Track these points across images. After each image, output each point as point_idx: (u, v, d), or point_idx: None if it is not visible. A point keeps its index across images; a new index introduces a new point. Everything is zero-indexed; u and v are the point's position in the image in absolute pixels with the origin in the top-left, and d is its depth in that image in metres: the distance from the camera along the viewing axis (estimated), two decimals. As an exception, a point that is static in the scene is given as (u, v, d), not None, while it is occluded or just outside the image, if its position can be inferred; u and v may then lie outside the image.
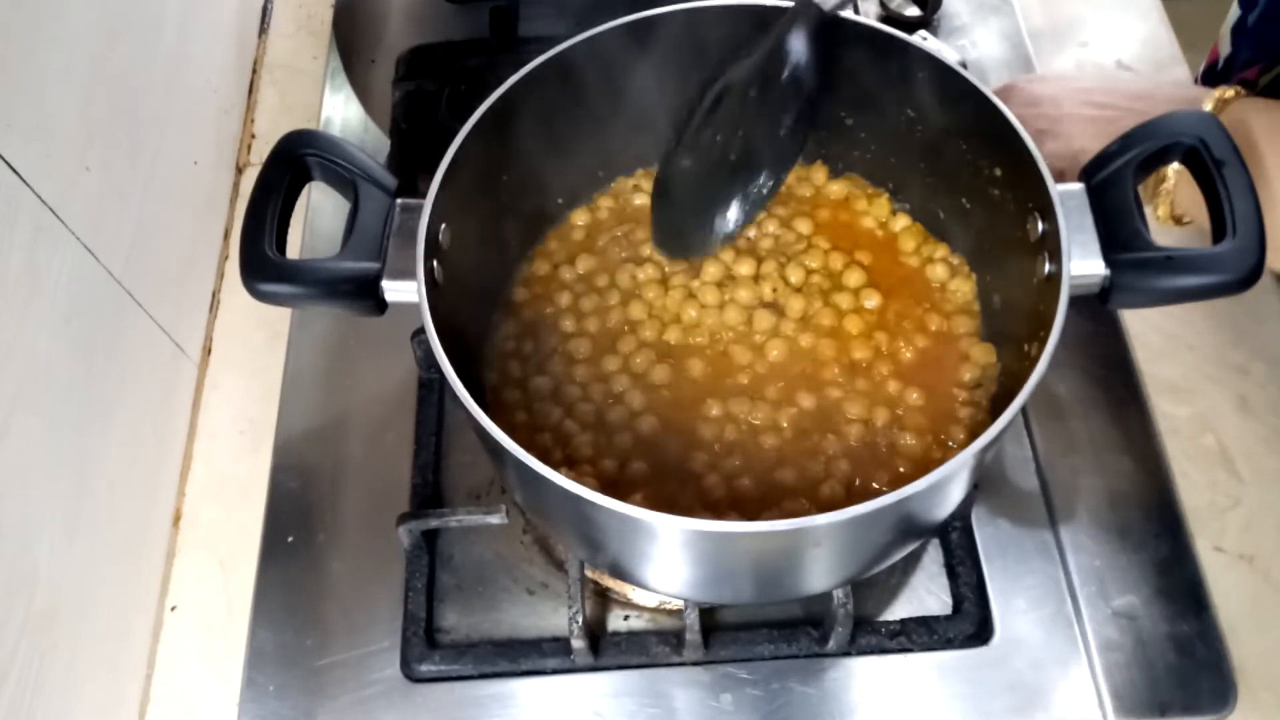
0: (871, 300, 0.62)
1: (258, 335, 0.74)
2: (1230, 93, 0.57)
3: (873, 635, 0.60)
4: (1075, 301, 0.49)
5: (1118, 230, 0.50)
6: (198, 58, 0.77)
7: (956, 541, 0.63)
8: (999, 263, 0.60)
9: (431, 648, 0.61)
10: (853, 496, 0.56)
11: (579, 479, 0.45)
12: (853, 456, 0.57)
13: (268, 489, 0.67)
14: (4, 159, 0.50)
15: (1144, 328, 0.71)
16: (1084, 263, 0.49)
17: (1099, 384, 0.69)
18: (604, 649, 0.60)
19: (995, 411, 0.58)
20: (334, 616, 0.63)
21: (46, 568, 0.53)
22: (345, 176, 0.53)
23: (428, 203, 0.52)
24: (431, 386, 0.70)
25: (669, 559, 0.50)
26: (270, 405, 0.70)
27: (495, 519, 0.61)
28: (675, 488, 0.56)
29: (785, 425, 0.58)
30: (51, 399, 0.54)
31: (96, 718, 0.57)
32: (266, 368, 0.72)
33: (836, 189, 0.67)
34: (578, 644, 0.59)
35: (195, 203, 0.76)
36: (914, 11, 0.87)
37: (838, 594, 0.57)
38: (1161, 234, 0.49)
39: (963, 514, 0.63)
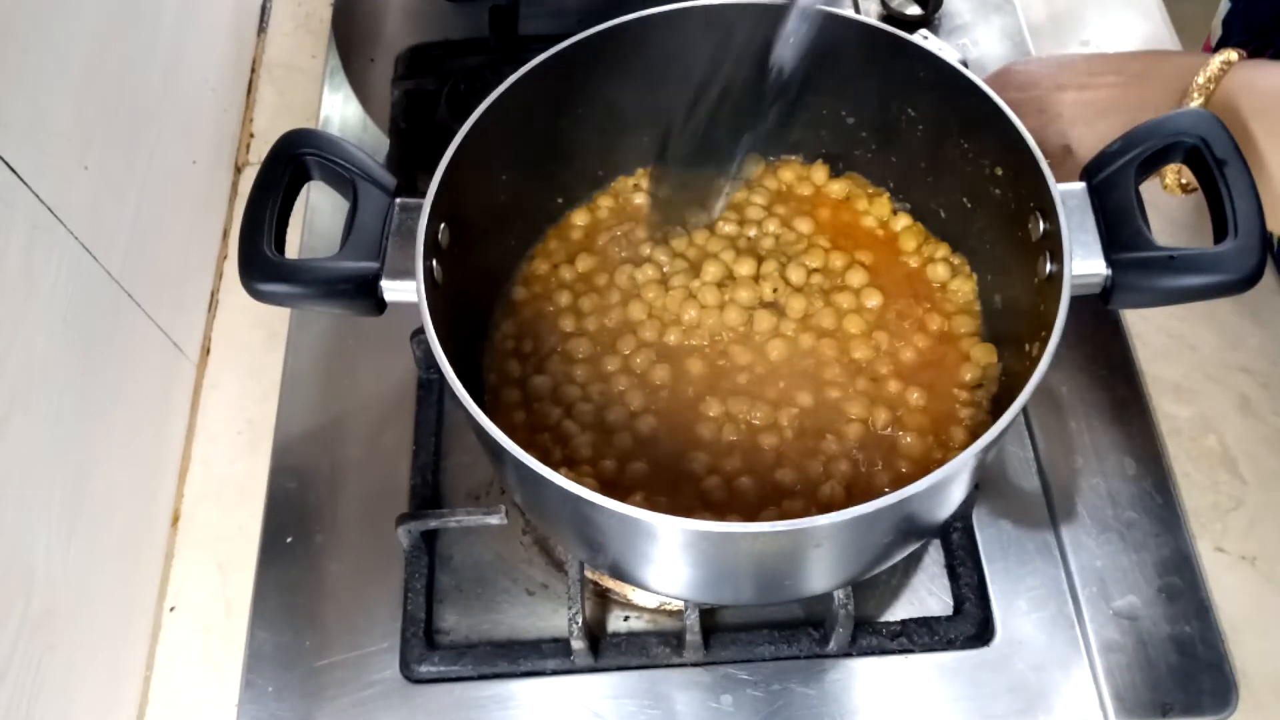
0: (872, 300, 0.62)
1: (256, 335, 0.74)
2: (1234, 55, 0.57)
3: (873, 636, 0.60)
4: (1077, 301, 0.49)
5: (1119, 230, 0.50)
6: (196, 56, 0.77)
7: (957, 542, 0.63)
8: (1000, 262, 0.59)
9: (431, 649, 0.61)
10: (853, 497, 0.56)
11: (578, 479, 0.45)
12: (853, 457, 0.57)
13: (266, 489, 0.67)
14: (1, 158, 0.50)
15: (1146, 328, 0.71)
16: (1085, 262, 0.49)
17: (1100, 384, 0.68)
18: (604, 650, 0.60)
19: (996, 412, 0.58)
20: (333, 617, 0.62)
21: (44, 569, 0.53)
22: (344, 176, 0.53)
23: (427, 202, 0.52)
24: (431, 387, 0.70)
25: (669, 560, 0.50)
26: (269, 405, 0.70)
27: (495, 519, 0.61)
28: (675, 488, 0.56)
29: (785, 425, 0.58)
30: (49, 399, 0.54)
31: (94, 719, 0.57)
32: (265, 368, 0.72)
33: (837, 188, 0.67)
34: (577, 645, 0.59)
35: (194, 202, 0.76)
36: (915, 10, 0.87)
37: (838, 595, 0.57)
38: (1163, 234, 0.49)
39: (964, 514, 0.63)
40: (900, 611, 0.62)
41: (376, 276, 0.51)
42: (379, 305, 0.52)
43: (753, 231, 0.65)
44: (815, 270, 0.63)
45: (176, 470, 0.69)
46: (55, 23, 0.56)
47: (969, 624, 0.61)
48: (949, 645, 0.60)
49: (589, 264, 0.65)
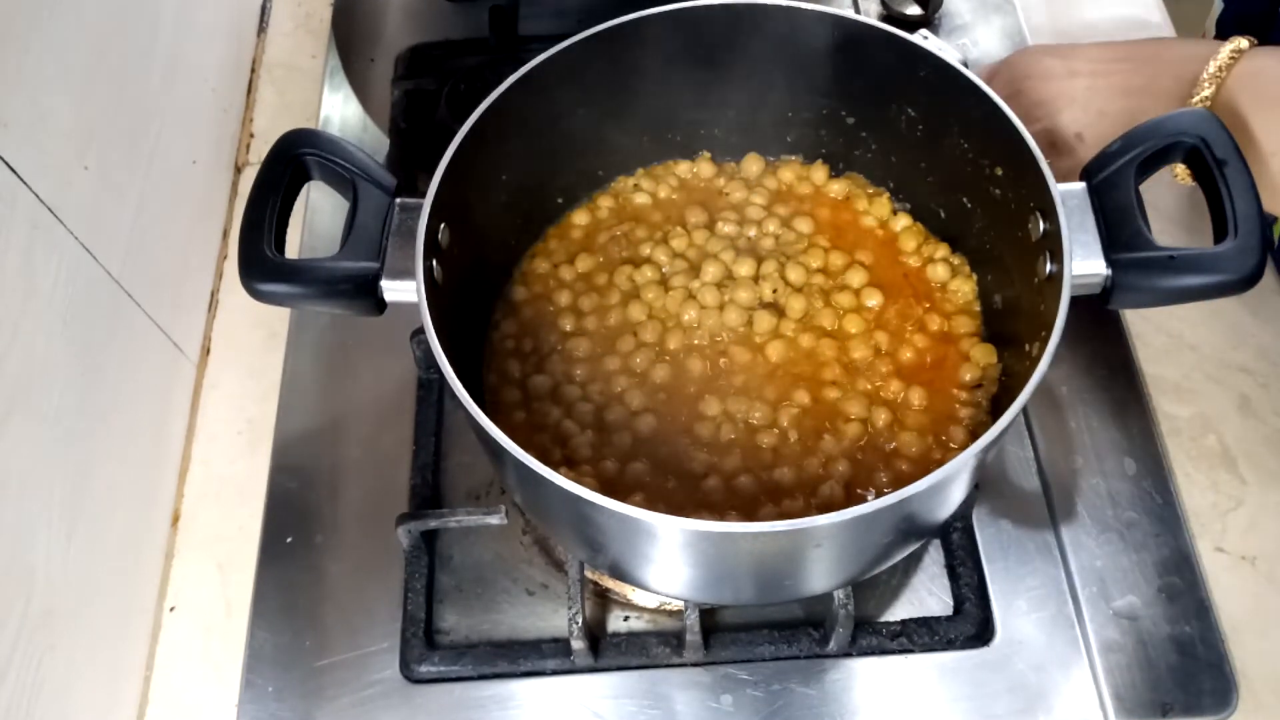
0: (872, 300, 0.62)
1: (256, 335, 0.74)
2: (1244, 43, 0.57)
3: (873, 636, 0.60)
4: (1077, 301, 0.49)
5: (1119, 230, 0.50)
6: (196, 56, 0.77)
7: (957, 542, 0.63)
8: (1000, 262, 0.59)
9: (431, 649, 0.61)
10: (853, 497, 0.56)
11: (578, 479, 0.45)
12: (853, 457, 0.57)
13: (266, 490, 0.67)
14: (1, 158, 0.50)
15: (1146, 328, 0.71)
16: (1085, 263, 0.49)
17: (1100, 384, 0.68)
18: (604, 650, 0.60)
19: (996, 412, 0.58)
20: (333, 617, 0.62)
21: (44, 569, 0.53)
22: (344, 176, 0.53)
23: (427, 202, 0.52)
24: (430, 387, 0.70)
25: (669, 560, 0.50)
26: (269, 405, 0.70)
27: (495, 520, 0.61)
28: (675, 488, 0.56)
29: (785, 425, 0.58)
30: (49, 399, 0.54)
31: (94, 719, 0.57)
32: (265, 368, 0.72)
33: (837, 188, 0.67)
34: (577, 645, 0.59)
35: (194, 202, 0.76)
36: (915, 10, 0.86)
37: (838, 595, 0.57)
38: (1163, 234, 0.49)
39: (964, 514, 0.63)
40: (900, 611, 0.62)
41: (376, 276, 0.51)
42: (379, 305, 0.52)
43: (752, 231, 0.65)
44: (815, 270, 0.63)
45: (176, 470, 0.69)
46: (55, 23, 0.56)
47: (969, 624, 0.61)
48: (949, 645, 0.60)
49: (589, 264, 0.65)
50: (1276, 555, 0.63)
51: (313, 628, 0.62)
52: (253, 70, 0.88)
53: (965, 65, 0.56)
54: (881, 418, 0.58)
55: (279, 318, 0.73)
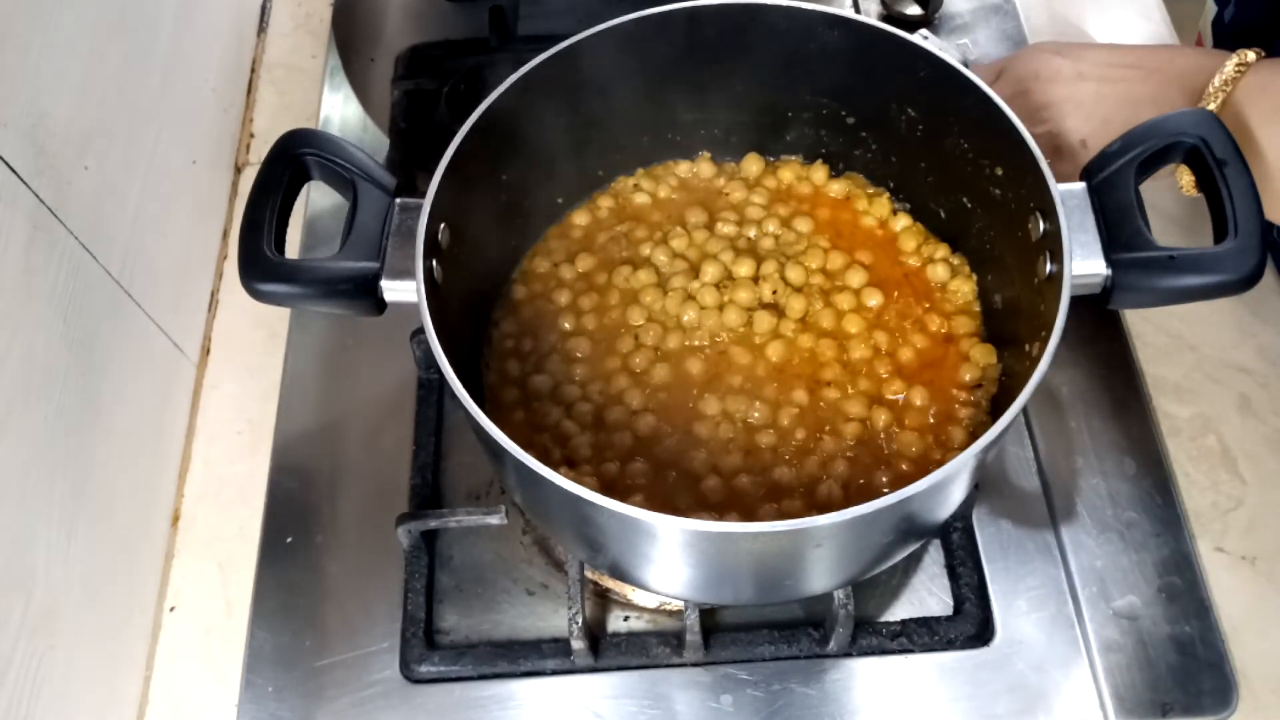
0: (872, 300, 0.62)
1: (256, 335, 0.74)
2: (1251, 55, 0.57)
3: (873, 636, 0.60)
4: (1077, 301, 0.49)
5: (1119, 230, 0.50)
6: (196, 56, 0.77)
7: (957, 542, 0.63)
8: (1000, 263, 0.59)
9: (431, 649, 0.61)
10: (853, 497, 0.56)
11: (578, 479, 0.45)
12: (853, 457, 0.57)
13: (266, 490, 0.67)
14: (1, 158, 0.50)
15: (1146, 328, 0.71)
16: (1085, 263, 0.49)
17: (1100, 384, 0.68)
18: (604, 650, 0.60)
19: (996, 412, 0.58)
20: (333, 617, 0.62)
21: (44, 568, 0.53)
22: (344, 176, 0.53)
23: (427, 202, 0.52)
24: (431, 387, 0.70)
25: (669, 560, 0.50)
26: (269, 405, 0.70)
27: (495, 519, 0.61)
28: (675, 488, 0.56)
29: (785, 425, 0.58)
30: (49, 399, 0.54)
31: (94, 719, 0.57)
32: (265, 368, 0.72)
33: (837, 188, 0.67)
34: (577, 645, 0.59)
35: (193, 202, 0.76)
36: (915, 10, 0.86)
37: (838, 595, 0.57)
38: (1163, 234, 0.49)
39: (964, 514, 0.63)
40: (900, 611, 0.62)
41: (376, 276, 0.51)
42: (379, 305, 0.52)
43: (752, 231, 0.65)
44: (815, 270, 0.63)
45: (176, 470, 0.69)
46: (55, 23, 0.56)
47: (969, 624, 0.61)
48: (949, 645, 0.60)
49: (589, 263, 0.65)
50: (1276, 555, 0.63)
51: (313, 628, 0.62)
52: (253, 70, 0.88)
53: (965, 65, 0.56)
54: (881, 418, 0.58)
55: (279, 318, 0.73)
